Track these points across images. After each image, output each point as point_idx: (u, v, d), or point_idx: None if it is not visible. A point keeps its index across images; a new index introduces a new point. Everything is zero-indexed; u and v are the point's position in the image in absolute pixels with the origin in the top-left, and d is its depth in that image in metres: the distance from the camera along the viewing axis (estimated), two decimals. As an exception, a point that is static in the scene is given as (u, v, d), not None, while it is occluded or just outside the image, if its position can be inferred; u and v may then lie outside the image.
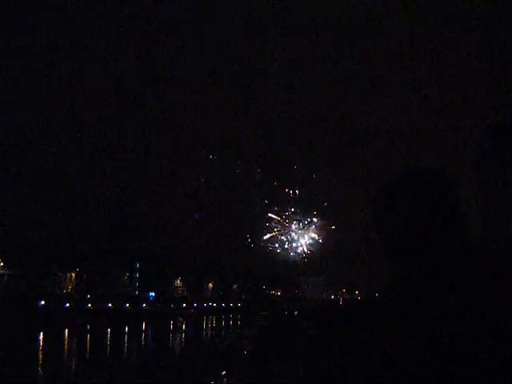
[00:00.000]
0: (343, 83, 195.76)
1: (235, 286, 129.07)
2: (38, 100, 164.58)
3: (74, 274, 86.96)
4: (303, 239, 75.49)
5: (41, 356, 40.02)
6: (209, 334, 62.41)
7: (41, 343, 48.29)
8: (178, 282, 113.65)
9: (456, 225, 1.67)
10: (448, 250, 1.66)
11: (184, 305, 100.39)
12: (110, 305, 79.15)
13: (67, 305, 71.52)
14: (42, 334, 52.10)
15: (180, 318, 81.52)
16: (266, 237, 77.31)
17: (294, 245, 78.71)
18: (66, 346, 48.50)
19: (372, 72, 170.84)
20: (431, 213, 1.64)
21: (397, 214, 1.67)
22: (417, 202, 1.65)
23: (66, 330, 57.60)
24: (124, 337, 58.77)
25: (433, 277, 1.64)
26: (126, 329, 65.49)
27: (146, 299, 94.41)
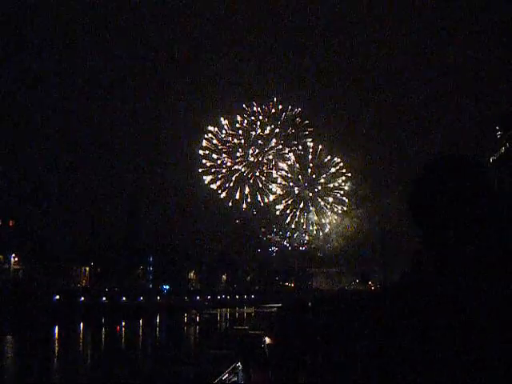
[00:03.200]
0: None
1: (248, 277, 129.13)
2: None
3: (87, 269, 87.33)
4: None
5: (56, 349, 40.29)
6: (222, 326, 62.45)
7: (56, 337, 48.59)
8: (192, 274, 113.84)
9: (492, 210, 1.71)
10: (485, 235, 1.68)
11: (198, 297, 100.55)
12: (124, 298, 79.39)
13: (82, 299, 71.79)
14: (56, 328, 52.38)
15: (194, 311, 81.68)
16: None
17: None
18: (80, 340, 48.78)
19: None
20: (469, 199, 1.68)
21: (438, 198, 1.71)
22: (454, 187, 1.69)
23: (82, 324, 57.89)
24: (138, 330, 58.99)
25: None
26: (141, 322, 65.74)
27: (160, 292, 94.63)
